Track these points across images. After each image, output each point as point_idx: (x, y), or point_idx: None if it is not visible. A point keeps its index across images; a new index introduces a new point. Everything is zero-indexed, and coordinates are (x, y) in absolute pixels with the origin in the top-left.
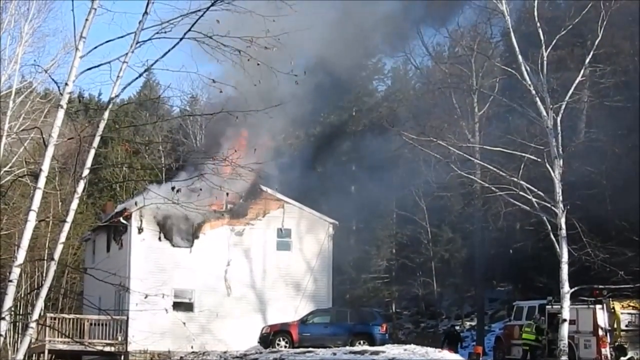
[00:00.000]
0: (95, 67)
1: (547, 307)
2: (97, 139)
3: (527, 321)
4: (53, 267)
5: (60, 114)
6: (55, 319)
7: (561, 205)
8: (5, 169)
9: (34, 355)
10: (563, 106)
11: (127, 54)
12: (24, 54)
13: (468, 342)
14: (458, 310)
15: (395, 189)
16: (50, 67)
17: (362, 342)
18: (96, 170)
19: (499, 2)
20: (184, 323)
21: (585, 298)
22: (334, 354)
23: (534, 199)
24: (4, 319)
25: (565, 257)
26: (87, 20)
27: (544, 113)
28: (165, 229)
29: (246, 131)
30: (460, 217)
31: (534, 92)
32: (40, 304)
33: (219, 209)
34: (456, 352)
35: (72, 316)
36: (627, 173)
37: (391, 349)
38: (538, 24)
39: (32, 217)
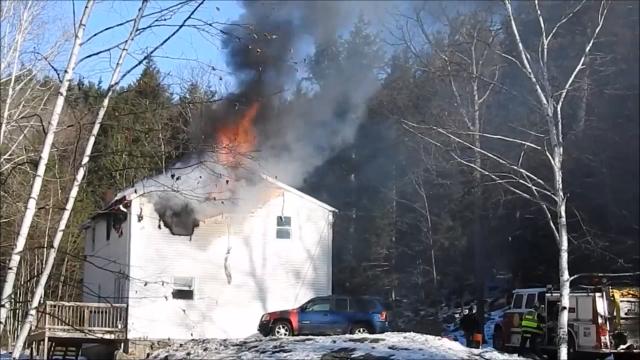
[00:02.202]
0: (95, 54)
1: (547, 295)
2: (96, 127)
3: (528, 309)
4: (53, 254)
5: (60, 101)
6: (55, 306)
7: (561, 193)
8: (5, 156)
9: (34, 342)
10: (563, 94)
11: (126, 41)
12: (24, 42)
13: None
14: (458, 299)
15: (395, 177)
16: (50, 54)
17: (361, 329)
18: (96, 158)
19: None
20: (184, 311)
21: (585, 286)
22: (334, 341)
23: (533, 187)
24: (3, 306)
25: (564, 245)
26: (86, 7)
27: (544, 101)
28: (164, 217)
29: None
30: (460, 205)
31: (534, 80)
32: (40, 291)
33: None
34: (472, 336)
35: (71, 304)
36: (627, 161)
37: (391, 337)
38: (539, 12)
39: (32, 205)
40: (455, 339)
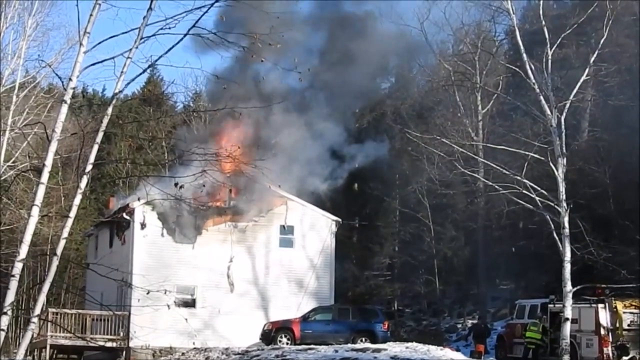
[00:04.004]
0: (99, 62)
1: (550, 305)
2: (100, 135)
3: (532, 320)
4: (55, 262)
5: (64, 109)
6: (57, 314)
7: (564, 203)
8: (9, 163)
9: (35, 350)
10: (567, 105)
11: (131, 49)
12: (28, 49)
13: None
14: (460, 309)
15: (399, 187)
16: (54, 61)
17: (364, 339)
18: (99, 166)
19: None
20: (186, 319)
21: (588, 297)
22: (336, 351)
23: (537, 198)
24: (5, 313)
25: (568, 256)
26: (91, 15)
27: (548, 111)
28: (167, 225)
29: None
30: (463, 215)
31: (538, 90)
32: (42, 299)
33: (221, 205)
34: (484, 345)
35: (74, 311)
36: (631, 172)
37: (393, 347)
38: (543, 22)
39: (35, 212)
40: (458, 349)
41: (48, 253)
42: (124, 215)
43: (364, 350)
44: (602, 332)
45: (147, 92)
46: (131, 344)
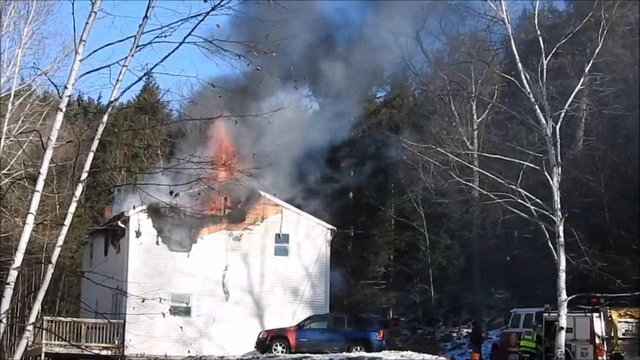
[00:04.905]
0: (94, 70)
1: (545, 314)
2: (95, 143)
3: (527, 329)
4: (50, 270)
5: (59, 117)
6: (52, 322)
7: (559, 213)
8: (4, 171)
9: (30, 358)
10: (562, 114)
11: (126, 57)
12: (24, 57)
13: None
14: (455, 317)
15: (394, 195)
16: (50, 69)
17: (359, 348)
18: (94, 174)
19: (499, 9)
20: (181, 327)
21: (583, 306)
22: (331, 359)
23: (532, 207)
24: (1, 321)
25: (563, 265)
26: (87, 23)
27: (543, 121)
28: (163, 233)
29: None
30: (458, 224)
31: (533, 99)
32: (37, 306)
33: (217, 213)
34: (478, 351)
35: (69, 319)
36: (626, 181)
37: (388, 355)
38: (538, 32)
39: (30, 220)
40: (453, 358)
41: (43, 261)
42: (119, 223)
43: (359, 359)
44: (597, 341)
45: (143, 100)
46: (126, 352)
